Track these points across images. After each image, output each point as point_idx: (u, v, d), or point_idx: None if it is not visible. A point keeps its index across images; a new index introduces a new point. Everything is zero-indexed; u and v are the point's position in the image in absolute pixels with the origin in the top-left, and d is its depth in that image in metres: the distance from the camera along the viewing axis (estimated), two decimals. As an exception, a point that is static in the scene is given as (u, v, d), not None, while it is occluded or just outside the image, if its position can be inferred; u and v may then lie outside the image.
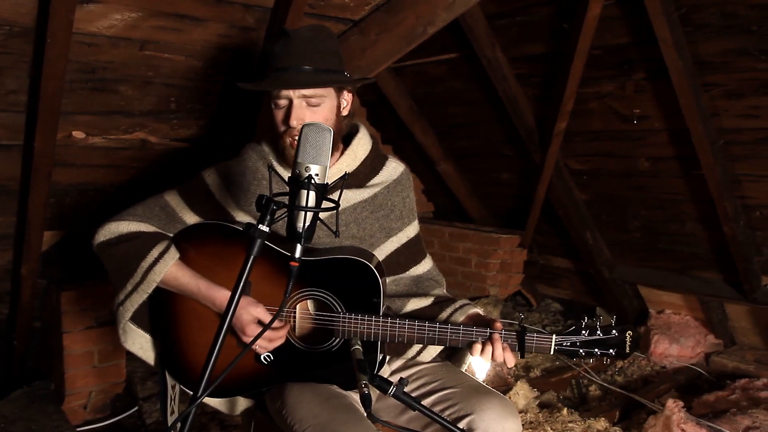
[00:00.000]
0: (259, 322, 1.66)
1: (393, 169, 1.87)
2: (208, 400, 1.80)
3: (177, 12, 2.13)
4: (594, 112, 3.64)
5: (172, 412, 1.85)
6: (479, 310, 1.79)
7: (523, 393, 3.36)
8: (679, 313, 4.24)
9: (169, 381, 1.82)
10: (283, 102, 1.64)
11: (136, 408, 3.01)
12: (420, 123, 4.61)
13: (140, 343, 1.81)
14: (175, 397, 1.85)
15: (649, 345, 4.07)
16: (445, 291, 1.95)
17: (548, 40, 3.52)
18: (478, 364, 3.20)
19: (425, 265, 1.96)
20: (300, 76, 1.63)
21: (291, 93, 1.62)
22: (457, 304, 1.81)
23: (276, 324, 1.68)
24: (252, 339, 1.34)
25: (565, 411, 3.18)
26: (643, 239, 4.01)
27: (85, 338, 2.89)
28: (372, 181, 1.83)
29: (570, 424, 3.07)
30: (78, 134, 2.39)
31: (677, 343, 4.04)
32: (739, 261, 3.52)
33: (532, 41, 3.59)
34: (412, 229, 1.92)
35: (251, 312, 1.64)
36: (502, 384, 3.50)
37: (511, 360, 1.61)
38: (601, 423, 3.09)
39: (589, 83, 3.52)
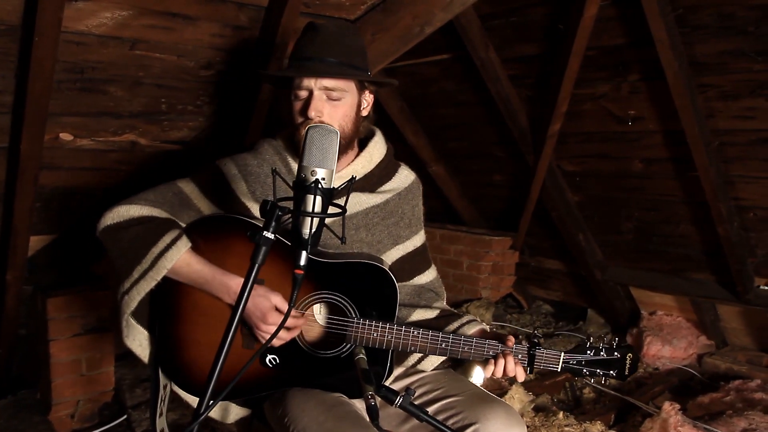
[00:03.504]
0: (277, 310, 1.58)
1: (405, 176, 1.85)
2: (195, 400, 1.73)
3: (169, 10, 2.09)
4: (588, 113, 3.63)
5: (161, 414, 1.77)
6: (486, 327, 1.78)
7: (518, 397, 3.32)
8: (671, 314, 4.25)
9: (162, 380, 1.73)
10: (303, 93, 1.60)
11: (124, 417, 2.94)
12: (411, 124, 4.59)
13: (140, 340, 1.73)
14: (165, 397, 1.77)
15: (641, 346, 4.06)
16: (445, 304, 1.94)
17: (542, 41, 3.50)
18: (476, 372, 3.16)
19: (429, 275, 1.94)
20: (323, 66, 1.59)
21: (312, 84, 1.58)
22: (464, 319, 1.80)
23: (294, 313, 1.61)
24: (273, 333, 1.28)
25: (561, 415, 3.15)
26: (636, 241, 4.01)
27: (72, 346, 2.82)
28: (384, 187, 1.80)
29: (566, 428, 3.04)
30: (65, 136, 2.33)
31: (670, 344, 4.05)
32: (733, 262, 3.52)
33: (526, 42, 3.57)
34: (419, 238, 1.90)
35: (270, 299, 1.57)
36: (497, 388, 3.47)
37: (521, 375, 1.60)
38: (598, 426, 3.07)
39: (583, 84, 3.50)
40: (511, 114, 3.87)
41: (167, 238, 1.58)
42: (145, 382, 3.12)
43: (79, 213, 2.69)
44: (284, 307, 1.57)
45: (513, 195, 4.48)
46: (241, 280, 1.53)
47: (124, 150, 2.52)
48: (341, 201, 1.33)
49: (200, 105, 2.51)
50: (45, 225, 2.66)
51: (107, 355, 2.94)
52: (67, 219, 2.69)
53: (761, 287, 3.62)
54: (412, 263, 1.88)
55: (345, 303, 1.63)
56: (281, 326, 1.27)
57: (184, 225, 1.69)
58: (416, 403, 1.47)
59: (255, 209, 1.71)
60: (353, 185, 1.41)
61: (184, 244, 1.59)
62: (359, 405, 1.66)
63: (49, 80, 1.99)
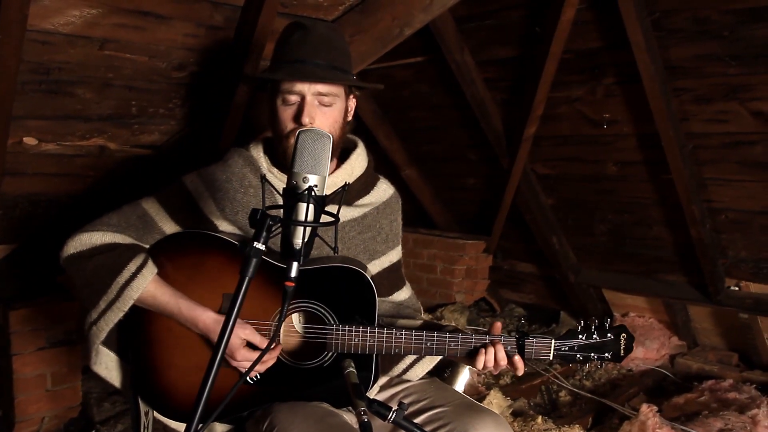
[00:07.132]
0: (248, 344, 1.53)
1: (383, 191, 1.80)
2: (178, 426, 1.66)
3: (140, 9, 2.01)
4: (563, 116, 3.64)
5: None
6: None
7: (496, 402, 3.31)
8: (643, 316, 4.29)
9: (142, 408, 1.67)
10: (294, 98, 1.54)
11: (92, 432, 2.83)
12: (384, 128, 4.54)
13: (105, 363, 1.67)
14: (148, 425, 1.70)
15: (615, 348, 4.08)
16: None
17: (518, 44, 3.50)
18: (461, 378, 3.12)
19: (405, 293, 1.90)
20: (320, 71, 1.52)
21: (305, 88, 1.52)
22: (450, 327, 1.75)
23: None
24: (248, 368, 1.22)
25: (539, 419, 3.14)
26: (610, 243, 4.04)
27: (36, 360, 2.70)
28: (361, 201, 1.74)
29: (545, 433, 3.04)
30: (30, 140, 2.23)
31: (642, 345, 4.08)
32: (705, 264, 3.57)
33: (501, 45, 3.56)
34: (395, 254, 1.85)
35: (240, 335, 1.52)
36: (474, 393, 3.44)
37: (520, 366, 1.54)
38: (576, 430, 3.07)
39: (558, 87, 3.51)
40: (486, 117, 3.85)
41: (132, 266, 1.52)
42: (114, 396, 3.01)
43: (44, 221, 2.58)
44: (255, 339, 1.53)
45: (487, 198, 4.47)
46: (210, 314, 1.52)
47: (92, 155, 2.42)
48: (331, 210, 1.27)
49: (172, 108, 2.43)
50: (7, 233, 2.55)
51: (74, 369, 2.83)
52: (31, 227, 2.58)
53: (732, 288, 3.68)
54: (389, 279, 1.83)
55: (322, 310, 1.57)
56: (256, 362, 1.23)
57: None
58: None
59: (224, 227, 1.65)
60: (344, 194, 1.36)
61: (149, 272, 1.54)
62: (347, 415, 1.62)
63: (12, 81, 1.90)
